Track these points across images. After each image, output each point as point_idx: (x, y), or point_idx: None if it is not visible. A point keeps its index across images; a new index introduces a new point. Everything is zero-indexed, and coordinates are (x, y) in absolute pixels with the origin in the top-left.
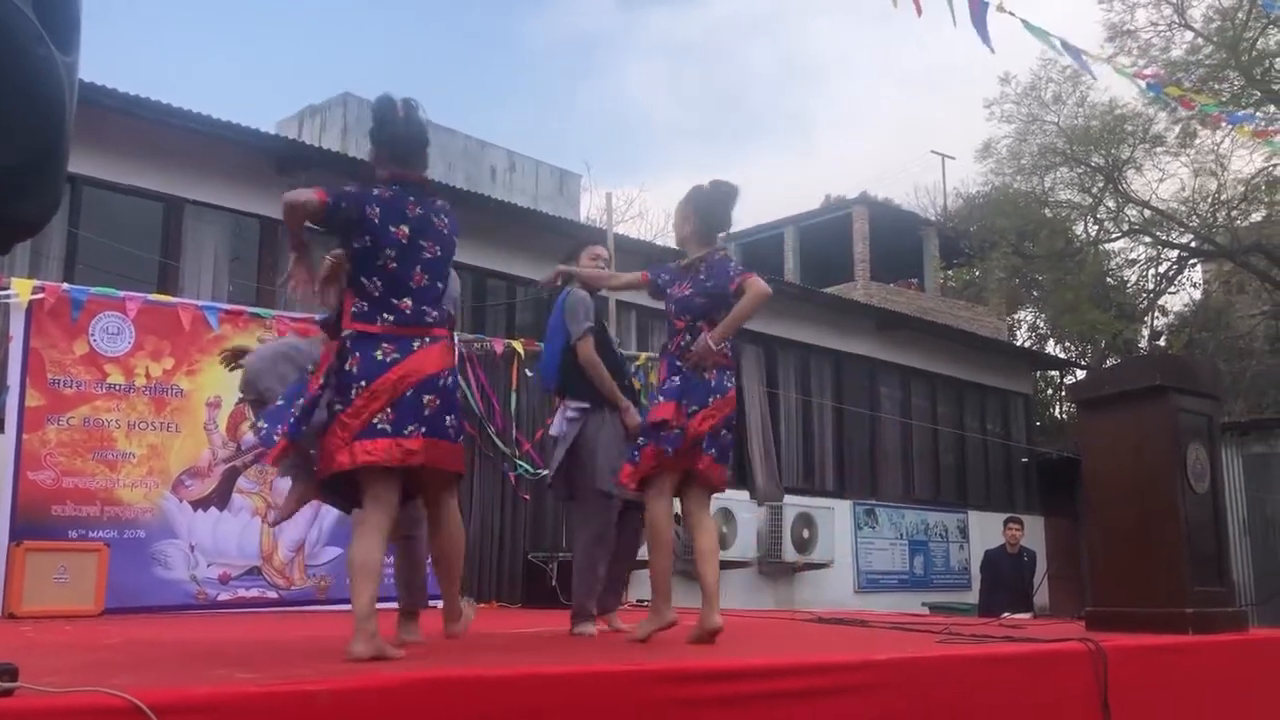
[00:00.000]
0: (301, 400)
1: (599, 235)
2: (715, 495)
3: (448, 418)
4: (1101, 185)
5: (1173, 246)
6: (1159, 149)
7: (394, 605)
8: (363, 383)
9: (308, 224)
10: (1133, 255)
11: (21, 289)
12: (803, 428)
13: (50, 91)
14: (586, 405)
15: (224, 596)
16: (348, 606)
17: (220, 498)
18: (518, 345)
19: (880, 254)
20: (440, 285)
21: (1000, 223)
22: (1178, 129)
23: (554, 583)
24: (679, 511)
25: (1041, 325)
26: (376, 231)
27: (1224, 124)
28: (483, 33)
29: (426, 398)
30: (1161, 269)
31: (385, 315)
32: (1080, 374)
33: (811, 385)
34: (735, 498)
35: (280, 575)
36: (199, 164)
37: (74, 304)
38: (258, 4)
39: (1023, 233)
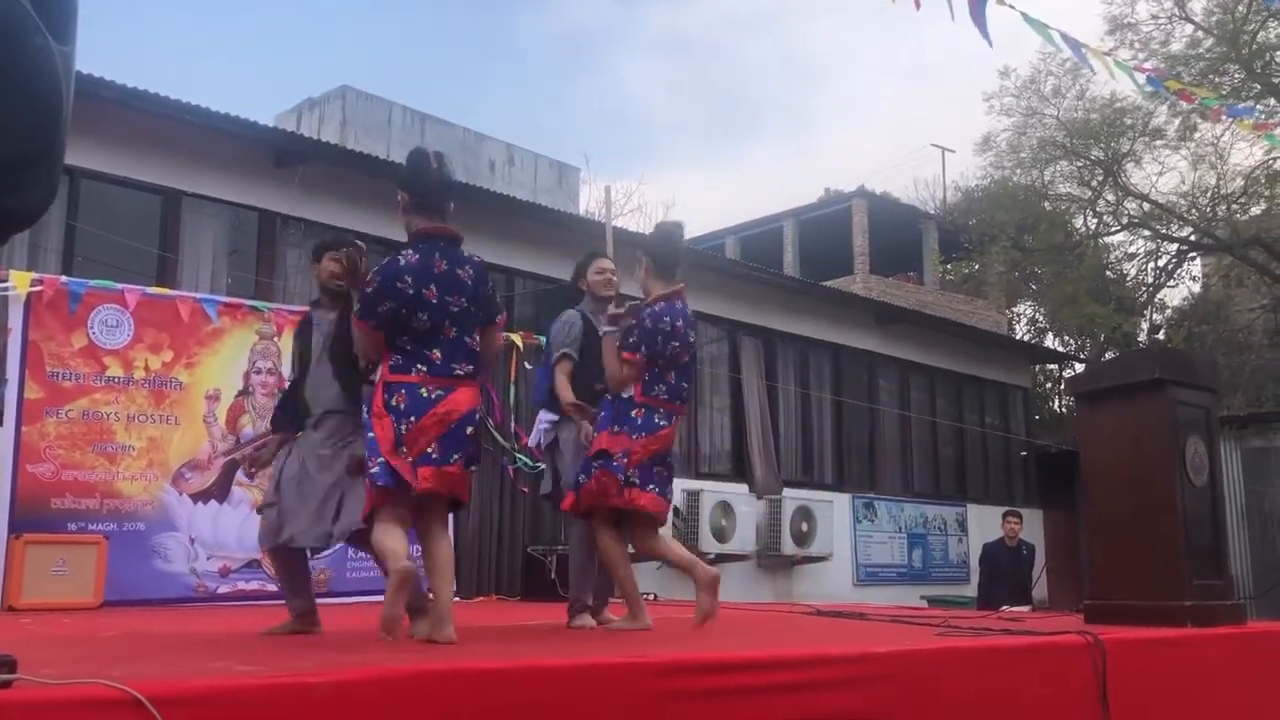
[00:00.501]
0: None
1: (598, 228)
2: (717, 490)
3: (464, 454)
4: (1101, 179)
5: (1172, 240)
6: (1159, 142)
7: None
8: (411, 418)
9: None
10: (1132, 249)
11: (20, 281)
12: (802, 421)
13: (47, 82)
14: (555, 418)
15: (224, 589)
16: (347, 600)
17: (220, 490)
18: (516, 338)
19: (879, 247)
20: (468, 339)
21: (1000, 216)
22: (1177, 122)
23: (553, 576)
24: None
25: (1041, 319)
26: (409, 300)
27: (1224, 117)
28: (481, 26)
29: (469, 430)
30: (1161, 263)
31: (419, 366)
32: (1079, 367)
33: (810, 378)
34: (734, 491)
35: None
36: (198, 157)
37: (72, 296)
38: None
39: (1022, 226)
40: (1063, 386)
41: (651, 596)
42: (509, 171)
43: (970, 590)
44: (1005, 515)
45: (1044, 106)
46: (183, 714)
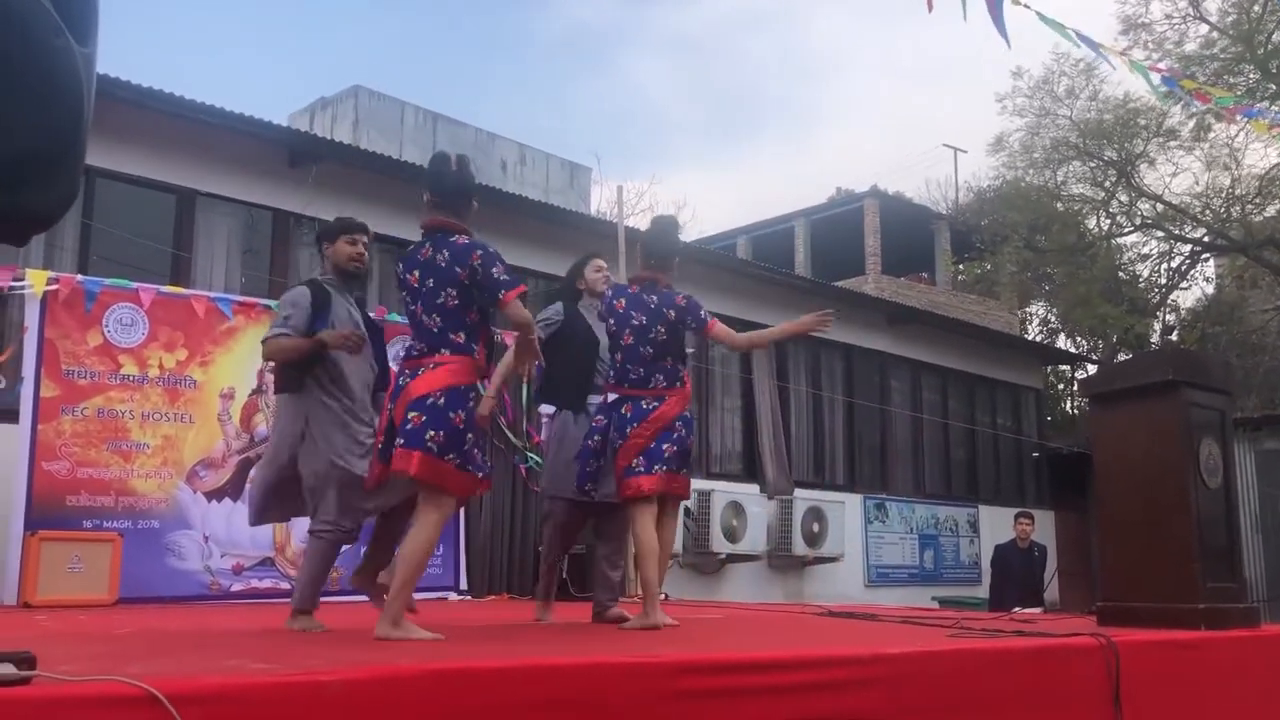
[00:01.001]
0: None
1: (610, 228)
2: (728, 491)
3: (429, 434)
4: (1114, 179)
5: (1185, 241)
6: (1172, 143)
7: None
8: (389, 405)
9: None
10: (1145, 250)
11: (36, 280)
12: (813, 421)
13: (68, 83)
14: (553, 410)
15: (237, 587)
16: (360, 598)
17: (234, 488)
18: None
19: (891, 248)
20: (426, 319)
21: (1012, 217)
22: (1191, 123)
23: (565, 575)
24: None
25: (1053, 320)
26: (405, 287)
27: (1239, 118)
28: (490, 26)
29: (412, 415)
30: (1174, 264)
31: (414, 350)
32: (1092, 369)
33: (822, 379)
34: (745, 491)
35: (293, 566)
36: (212, 156)
37: (88, 295)
38: None
39: (1034, 227)
40: (1075, 388)
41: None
42: (521, 171)
43: (981, 592)
44: (1017, 517)
45: (1057, 107)
46: (199, 711)
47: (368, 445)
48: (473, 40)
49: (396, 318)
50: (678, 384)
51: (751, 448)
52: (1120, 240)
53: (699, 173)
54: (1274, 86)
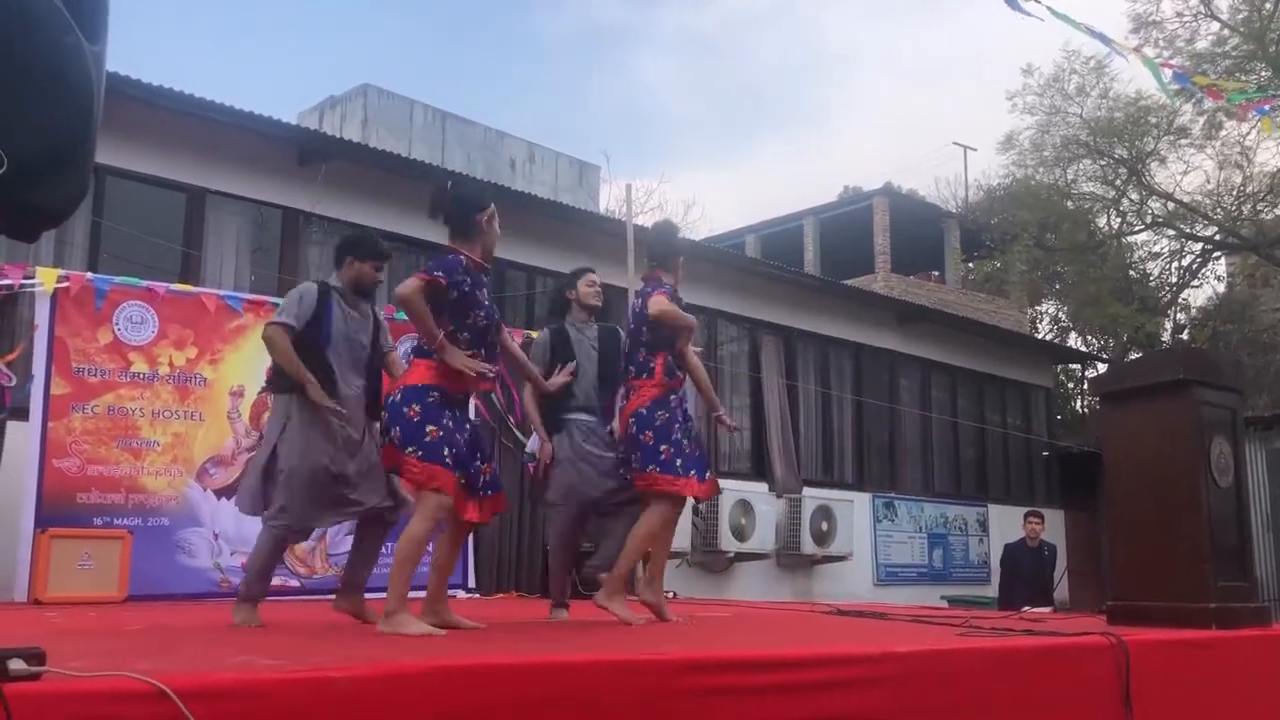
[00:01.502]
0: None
1: (619, 227)
2: (737, 489)
3: (393, 429)
4: (1125, 177)
5: (1196, 239)
6: (1183, 141)
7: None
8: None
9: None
10: (1156, 248)
11: (46, 278)
12: (822, 420)
13: (78, 80)
14: (535, 446)
15: None
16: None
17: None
18: (536, 336)
19: (901, 246)
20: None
21: (1022, 215)
22: (1202, 121)
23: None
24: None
25: (1063, 318)
26: None
27: (1251, 115)
28: (500, 25)
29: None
30: (1185, 262)
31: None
32: (1102, 367)
33: (831, 377)
34: (754, 490)
35: (302, 564)
36: (221, 154)
37: (98, 293)
38: None
39: (1045, 225)
40: (1085, 386)
41: (671, 594)
42: (530, 169)
43: (991, 591)
44: (1027, 516)
45: (1067, 105)
46: (207, 706)
47: (354, 444)
48: (483, 39)
49: (403, 316)
50: (644, 375)
51: (760, 446)
52: (1131, 239)
53: (708, 171)
54: None
